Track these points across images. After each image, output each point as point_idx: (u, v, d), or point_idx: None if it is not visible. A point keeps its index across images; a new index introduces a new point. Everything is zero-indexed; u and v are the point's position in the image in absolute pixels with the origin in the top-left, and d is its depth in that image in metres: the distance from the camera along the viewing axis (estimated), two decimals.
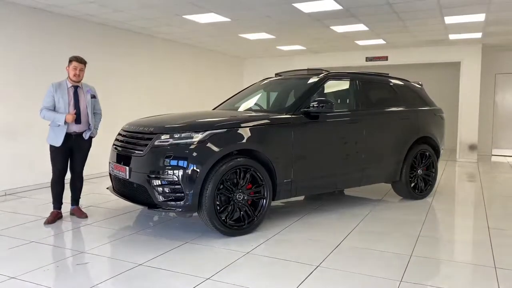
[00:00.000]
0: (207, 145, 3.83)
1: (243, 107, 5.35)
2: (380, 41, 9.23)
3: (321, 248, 3.73)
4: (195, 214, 3.97)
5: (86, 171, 4.83)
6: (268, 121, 4.27)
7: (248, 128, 4.09)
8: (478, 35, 8.49)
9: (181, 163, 3.76)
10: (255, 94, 5.59)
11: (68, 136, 4.43)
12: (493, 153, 11.14)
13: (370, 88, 5.41)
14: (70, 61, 4.48)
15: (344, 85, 5.26)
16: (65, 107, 4.41)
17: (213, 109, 5.61)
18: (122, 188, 4.34)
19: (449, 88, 11.48)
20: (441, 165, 8.19)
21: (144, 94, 8.47)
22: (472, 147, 9.92)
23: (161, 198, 3.83)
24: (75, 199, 4.75)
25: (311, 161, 4.56)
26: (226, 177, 3.88)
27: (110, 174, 4.57)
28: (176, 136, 3.88)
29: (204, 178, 3.77)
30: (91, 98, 4.61)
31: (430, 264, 3.39)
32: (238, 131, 4.04)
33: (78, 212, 4.70)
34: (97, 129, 4.75)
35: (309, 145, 4.53)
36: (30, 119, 6.06)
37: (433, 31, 8.09)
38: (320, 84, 4.88)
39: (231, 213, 3.96)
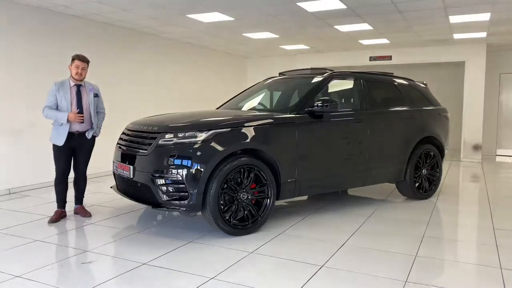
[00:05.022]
0: (211, 144, 3.83)
1: (247, 106, 5.34)
2: (384, 41, 9.20)
3: (326, 248, 3.71)
4: (199, 213, 3.97)
5: (90, 170, 4.83)
6: (272, 120, 4.26)
7: (252, 128, 4.08)
8: (483, 34, 8.44)
9: (185, 162, 3.76)
10: (259, 94, 5.58)
11: (70, 135, 4.43)
12: (497, 153, 11.08)
13: (375, 87, 5.39)
14: (73, 59, 4.47)
15: (348, 84, 5.24)
16: (67, 106, 4.40)
17: (217, 108, 5.61)
18: (126, 187, 4.34)
19: (454, 87, 11.42)
20: (445, 165, 8.17)
21: (148, 93, 8.47)
22: (476, 147, 9.87)
23: (165, 197, 3.82)
24: (79, 198, 4.76)
25: (315, 160, 4.54)
26: (230, 176, 3.87)
27: (114, 173, 4.57)
28: (180, 135, 3.88)
29: (208, 177, 3.77)
30: (94, 97, 4.60)
31: (435, 265, 3.37)
32: (242, 131, 4.03)
33: (82, 211, 4.70)
34: (100, 128, 4.75)
35: (313, 144, 4.51)
36: (34, 118, 6.07)
37: (438, 31, 8.06)
38: (324, 83, 4.87)
39: (235, 212, 3.95)
